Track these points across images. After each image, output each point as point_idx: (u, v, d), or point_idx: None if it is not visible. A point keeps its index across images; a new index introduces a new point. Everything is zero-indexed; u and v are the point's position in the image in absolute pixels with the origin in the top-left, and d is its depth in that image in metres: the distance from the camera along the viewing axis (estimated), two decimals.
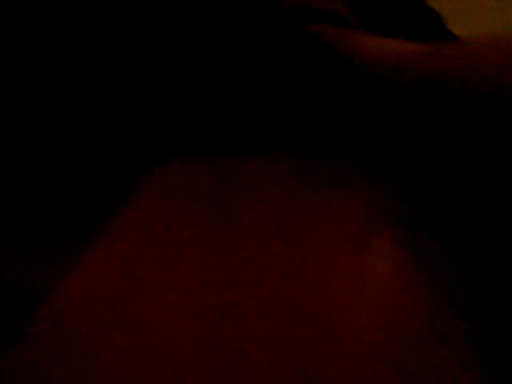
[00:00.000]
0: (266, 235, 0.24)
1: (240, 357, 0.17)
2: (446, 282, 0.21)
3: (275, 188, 0.28)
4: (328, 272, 0.22)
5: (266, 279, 0.21)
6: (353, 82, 0.32)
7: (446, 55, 0.26)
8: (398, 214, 0.25)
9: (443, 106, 0.25)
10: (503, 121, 0.22)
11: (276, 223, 0.25)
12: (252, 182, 0.28)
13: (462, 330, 0.19)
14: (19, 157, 0.27)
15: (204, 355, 0.17)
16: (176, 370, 0.17)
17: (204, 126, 0.31)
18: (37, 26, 0.28)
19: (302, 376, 0.16)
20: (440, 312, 0.20)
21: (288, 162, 0.30)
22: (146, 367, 0.17)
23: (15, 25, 0.28)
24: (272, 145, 0.31)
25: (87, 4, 0.29)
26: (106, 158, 0.29)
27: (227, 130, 0.31)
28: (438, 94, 0.26)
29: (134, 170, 0.28)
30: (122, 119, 0.30)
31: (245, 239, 0.24)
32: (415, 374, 0.16)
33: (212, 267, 0.22)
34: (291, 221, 0.25)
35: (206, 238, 0.24)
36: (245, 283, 0.21)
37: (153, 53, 0.30)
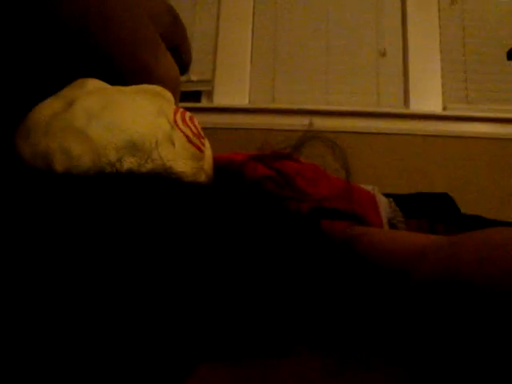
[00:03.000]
0: None
1: None
2: None
3: None
4: None
5: None
6: (370, 279, 0.32)
7: (460, 249, 0.26)
8: None
9: (458, 299, 0.25)
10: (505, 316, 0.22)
11: None
12: None
13: None
14: None
15: None
16: None
17: (226, 330, 0.28)
18: None
19: None
20: None
21: (316, 362, 0.28)
22: None
23: None
24: (297, 343, 0.29)
25: None
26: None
27: (248, 333, 0.28)
28: (454, 287, 0.25)
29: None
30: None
31: None
32: None
33: None
34: None
35: None
36: None
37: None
